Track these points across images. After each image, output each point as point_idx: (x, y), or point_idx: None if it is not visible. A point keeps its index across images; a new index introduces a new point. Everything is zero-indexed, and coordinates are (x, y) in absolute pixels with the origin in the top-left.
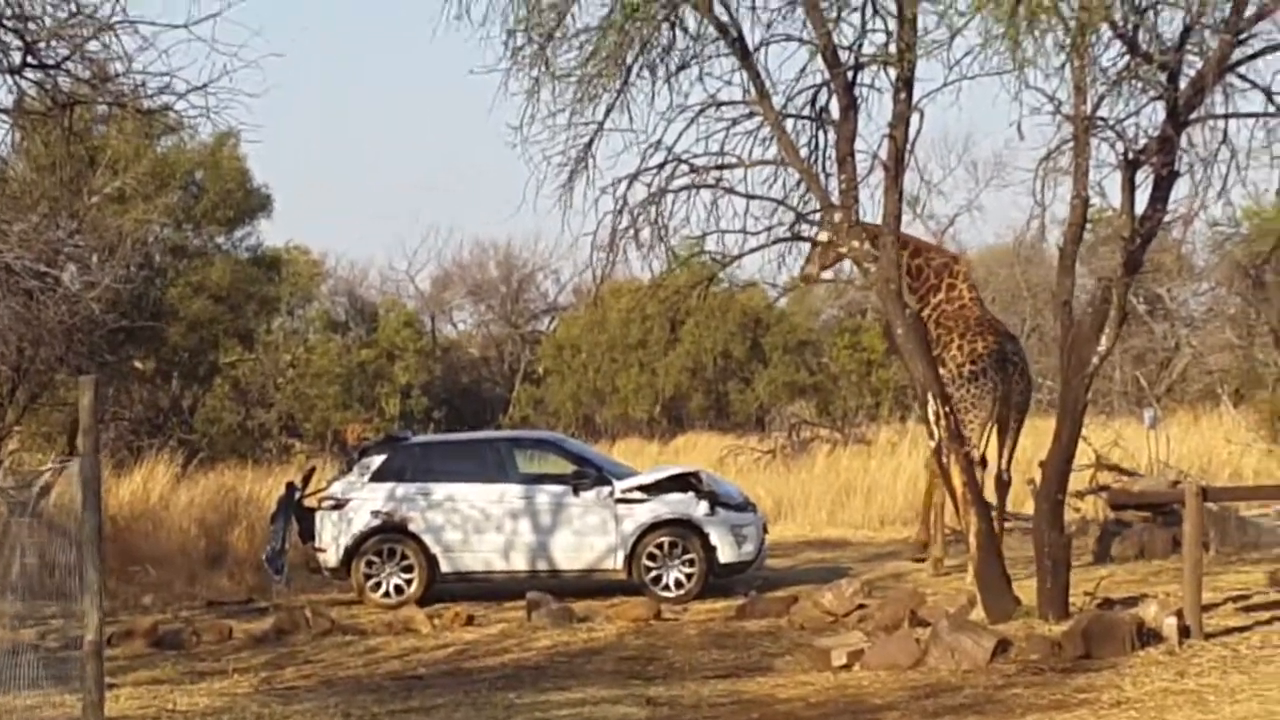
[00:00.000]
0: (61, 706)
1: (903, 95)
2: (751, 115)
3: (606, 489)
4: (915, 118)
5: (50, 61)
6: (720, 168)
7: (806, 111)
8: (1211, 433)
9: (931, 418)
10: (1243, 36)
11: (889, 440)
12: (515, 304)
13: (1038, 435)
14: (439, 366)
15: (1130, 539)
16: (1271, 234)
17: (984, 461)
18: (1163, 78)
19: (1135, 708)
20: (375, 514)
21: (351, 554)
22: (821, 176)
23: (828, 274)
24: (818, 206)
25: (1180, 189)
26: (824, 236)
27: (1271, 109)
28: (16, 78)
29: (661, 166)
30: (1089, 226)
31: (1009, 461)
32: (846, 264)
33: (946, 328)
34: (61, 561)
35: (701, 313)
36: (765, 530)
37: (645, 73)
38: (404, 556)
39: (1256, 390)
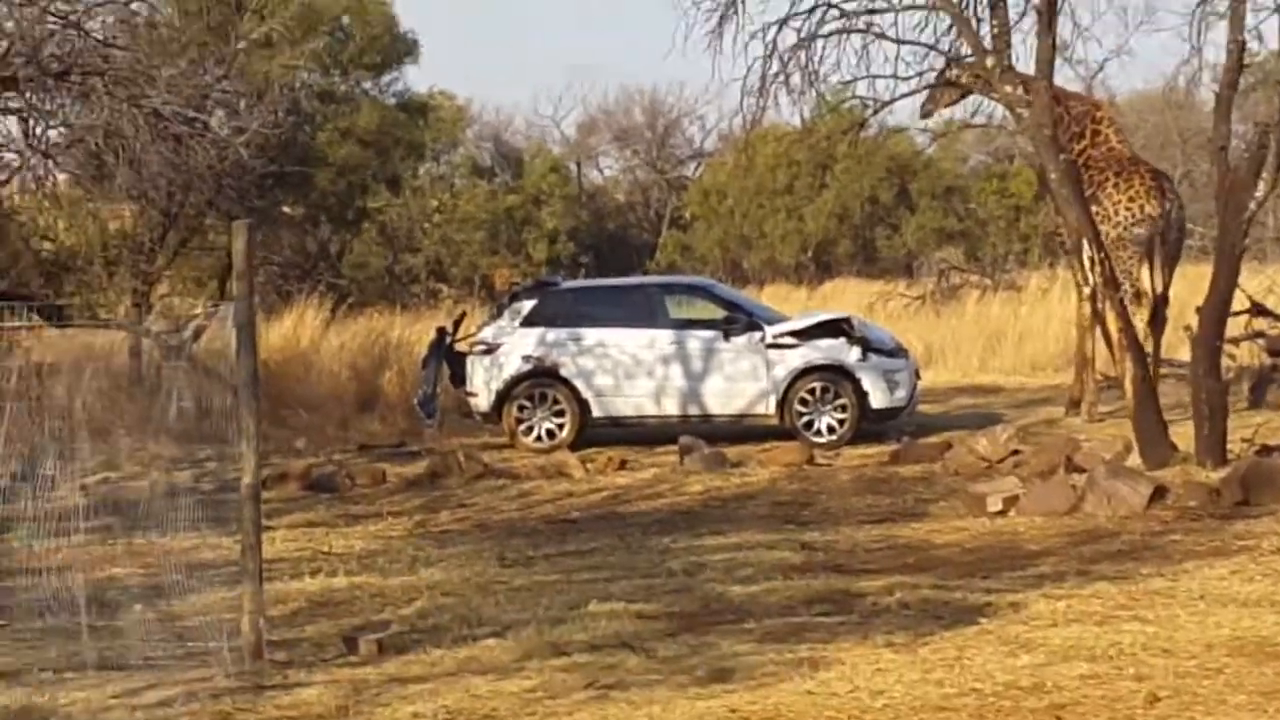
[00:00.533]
0: (219, 549)
1: None
2: None
3: (757, 334)
4: None
5: None
6: (871, 12)
7: None
8: None
9: (1086, 264)
10: None
11: (1039, 286)
12: (661, 149)
13: (1190, 282)
14: (585, 212)
15: None
16: None
17: (1140, 296)
18: None
19: None
20: (526, 359)
21: (503, 399)
22: (973, 21)
23: (946, 112)
24: (969, 51)
25: None
26: (949, 75)
27: None
28: None
29: (811, 11)
30: (1242, 71)
31: (1165, 300)
32: (990, 106)
33: (1099, 168)
34: (216, 405)
35: (849, 158)
36: (917, 376)
37: None
38: (556, 401)
39: None
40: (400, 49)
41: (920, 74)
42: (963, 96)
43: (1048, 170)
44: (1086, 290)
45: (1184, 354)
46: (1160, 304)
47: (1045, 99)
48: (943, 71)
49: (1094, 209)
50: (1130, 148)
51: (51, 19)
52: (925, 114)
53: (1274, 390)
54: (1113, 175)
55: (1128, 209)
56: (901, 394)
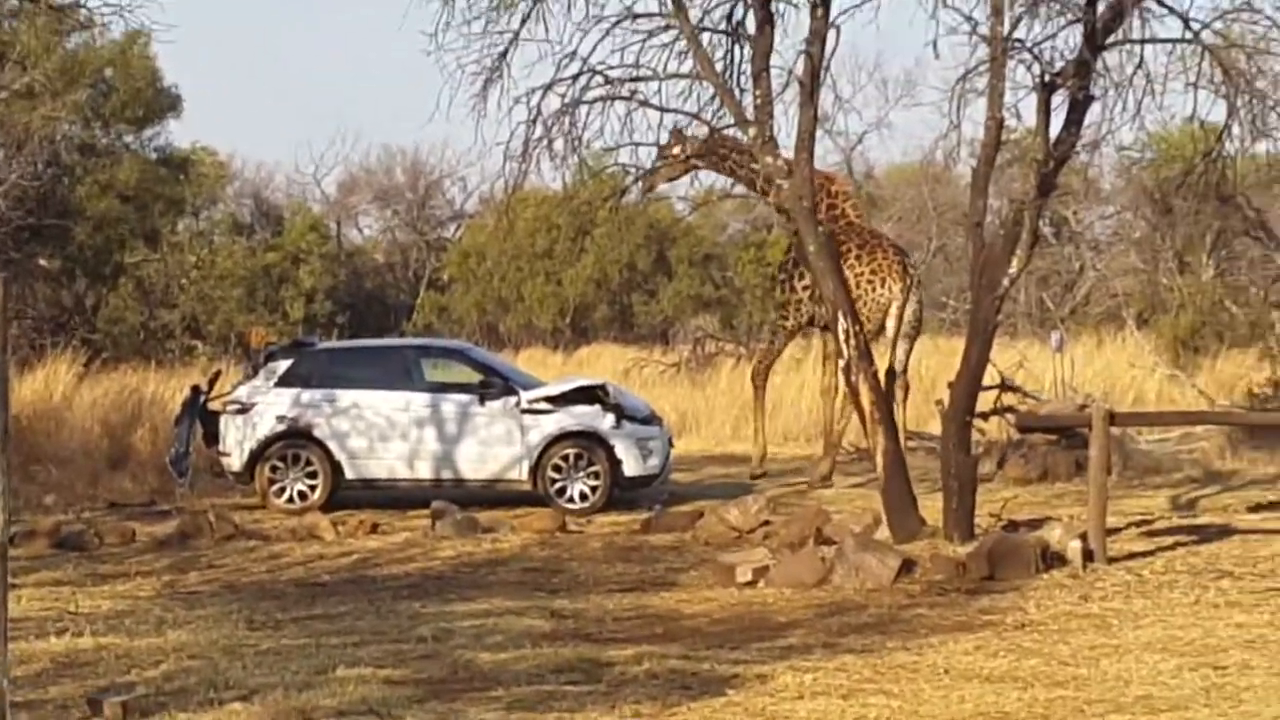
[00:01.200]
0: None
1: (820, 12)
2: (667, 28)
3: (513, 399)
4: (832, 35)
5: None
6: (635, 80)
7: (723, 26)
8: (1115, 356)
9: (841, 336)
10: None
11: (793, 356)
12: (421, 210)
13: (943, 356)
14: (344, 271)
15: (1034, 461)
16: (1179, 159)
17: (891, 373)
18: (1082, 1)
19: (1039, 630)
20: (280, 419)
21: (256, 459)
22: (736, 91)
23: (666, 186)
24: (732, 121)
25: (1091, 113)
26: (676, 150)
27: (1188, 34)
28: None
29: (576, 77)
30: (1000, 147)
31: (894, 374)
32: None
33: (839, 241)
34: None
35: (609, 224)
36: (671, 444)
37: None
38: (308, 462)
39: (1160, 315)
40: (163, 103)
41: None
42: (684, 172)
43: (805, 242)
44: (841, 362)
45: (935, 427)
46: (890, 379)
47: (805, 171)
48: (663, 148)
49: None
50: (866, 221)
51: None
52: (646, 189)
53: (1020, 465)
54: (855, 248)
55: (869, 282)
56: (655, 462)
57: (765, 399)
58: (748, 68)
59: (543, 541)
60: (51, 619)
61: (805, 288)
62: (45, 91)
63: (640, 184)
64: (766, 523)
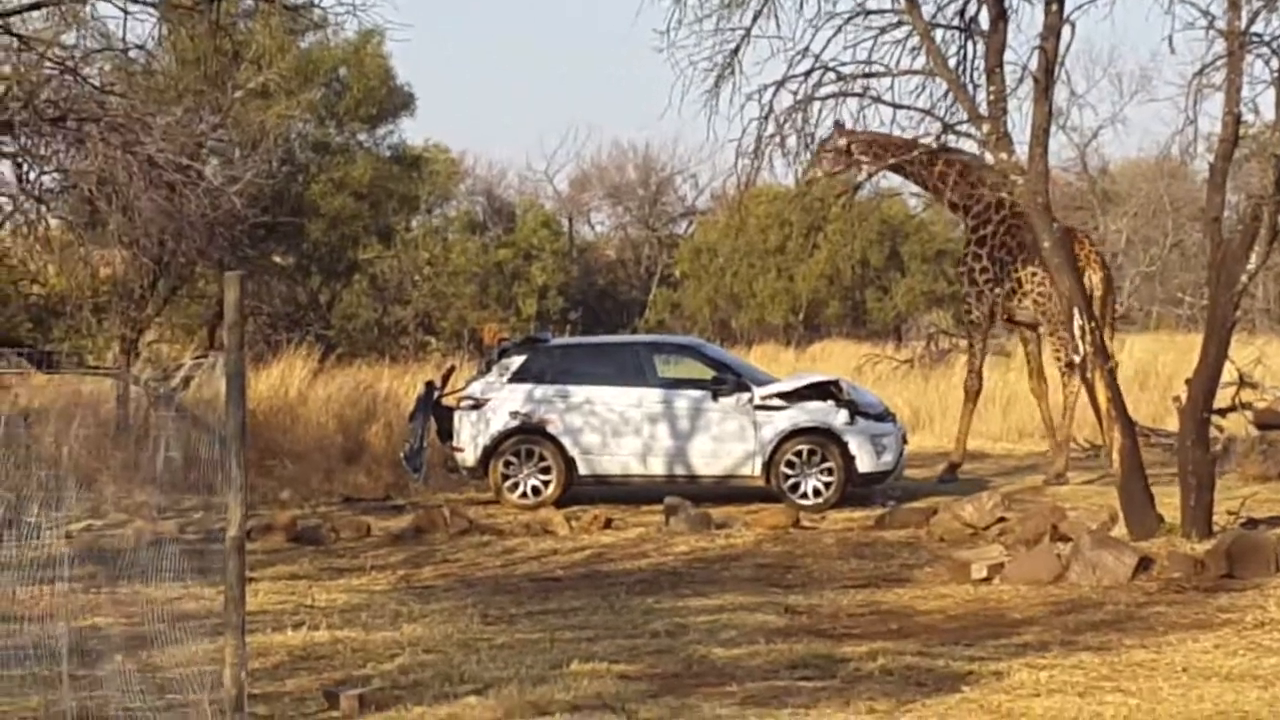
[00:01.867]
0: (202, 599)
1: (1054, 7)
2: (900, 24)
3: (745, 395)
4: (1066, 30)
5: None
6: (867, 76)
7: (956, 22)
8: None
9: (1076, 333)
10: None
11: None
12: (653, 207)
13: (1180, 352)
14: (575, 268)
15: (1273, 458)
16: None
17: (1071, 365)
18: None
19: (1279, 629)
20: (514, 415)
21: (489, 454)
22: (969, 87)
23: (836, 176)
24: (965, 117)
25: None
26: (841, 141)
27: None
28: None
29: (808, 74)
30: (1237, 143)
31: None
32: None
33: (1023, 236)
34: (203, 455)
35: (842, 220)
36: (904, 440)
37: None
38: (542, 458)
39: None
40: (396, 102)
41: (916, 139)
42: (848, 167)
43: (1040, 237)
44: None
45: (1172, 424)
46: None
47: (1041, 166)
48: (828, 139)
49: (1033, 272)
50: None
51: (49, 64)
52: (808, 181)
53: (1260, 462)
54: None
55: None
56: (888, 458)
57: (975, 406)
58: (981, 64)
59: (776, 537)
60: (288, 612)
61: (987, 281)
62: (280, 90)
63: (804, 169)
64: (1002, 519)
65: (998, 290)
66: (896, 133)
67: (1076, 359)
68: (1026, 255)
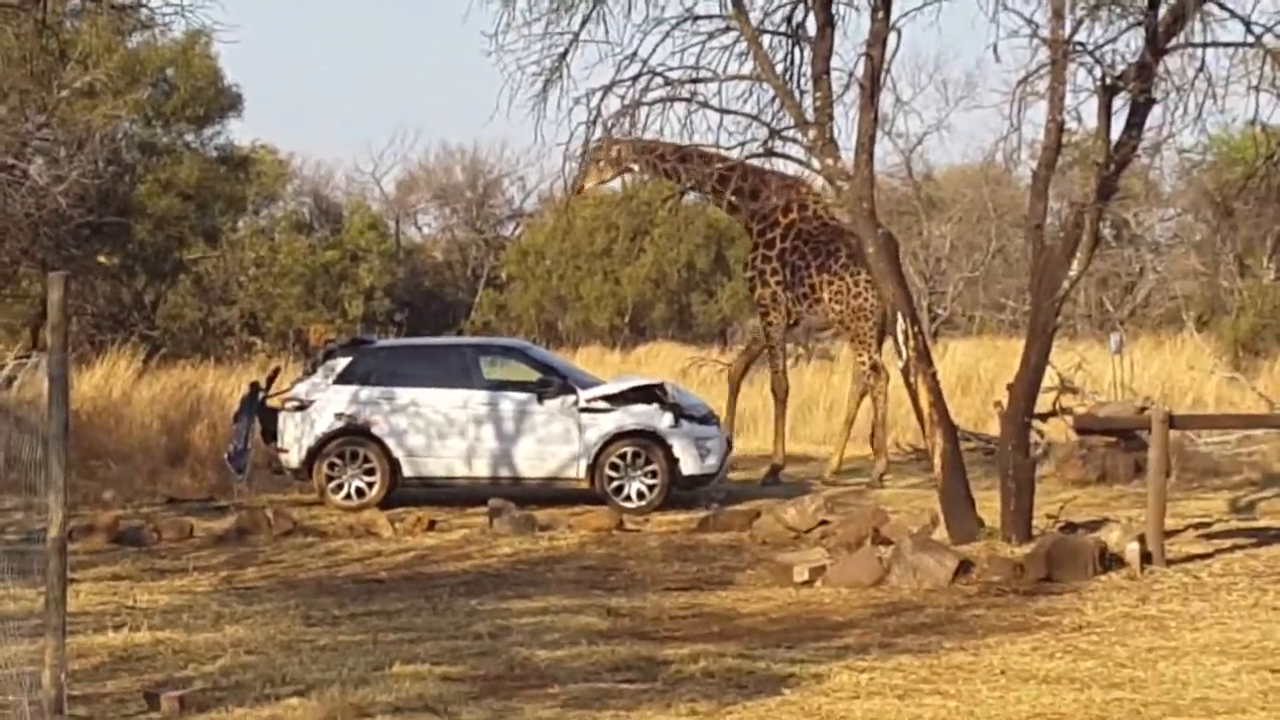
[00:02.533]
0: (22, 599)
1: (881, 14)
2: (728, 29)
3: (571, 398)
4: (893, 37)
5: None
6: (695, 81)
7: (783, 28)
8: (1174, 358)
9: (900, 337)
10: None
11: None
12: (480, 209)
13: (1002, 357)
14: (402, 269)
15: (1092, 463)
16: (1240, 162)
17: (877, 370)
18: (1143, 3)
19: (1096, 632)
20: (339, 416)
21: (314, 455)
22: (796, 93)
23: (602, 188)
24: (792, 122)
25: (1152, 116)
26: (609, 153)
27: (1250, 38)
28: None
29: (636, 79)
30: (1060, 150)
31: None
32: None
33: (815, 241)
34: (24, 455)
35: (668, 224)
36: (729, 444)
37: None
38: (366, 459)
39: (1220, 317)
40: (224, 102)
41: (743, 144)
42: (616, 175)
43: (865, 243)
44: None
45: (993, 428)
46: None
47: (866, 172)
48: (597, 146)
49: (829, 279)
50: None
51: None
52: (577, 190)
53: (1079, 466)
54: (843, 249)
55: (868, 281)
56: (712, 461)
57: (786, 407)
58: (808, 70)
59: (600, 540)
60: (109, 613)
61: (779, 283)
62: (107, 90)
63: (574, 181)
64: (824, 522)
65: (789, 294)
66: (724, 138)
67: (880, 361)
68: (822, 261)
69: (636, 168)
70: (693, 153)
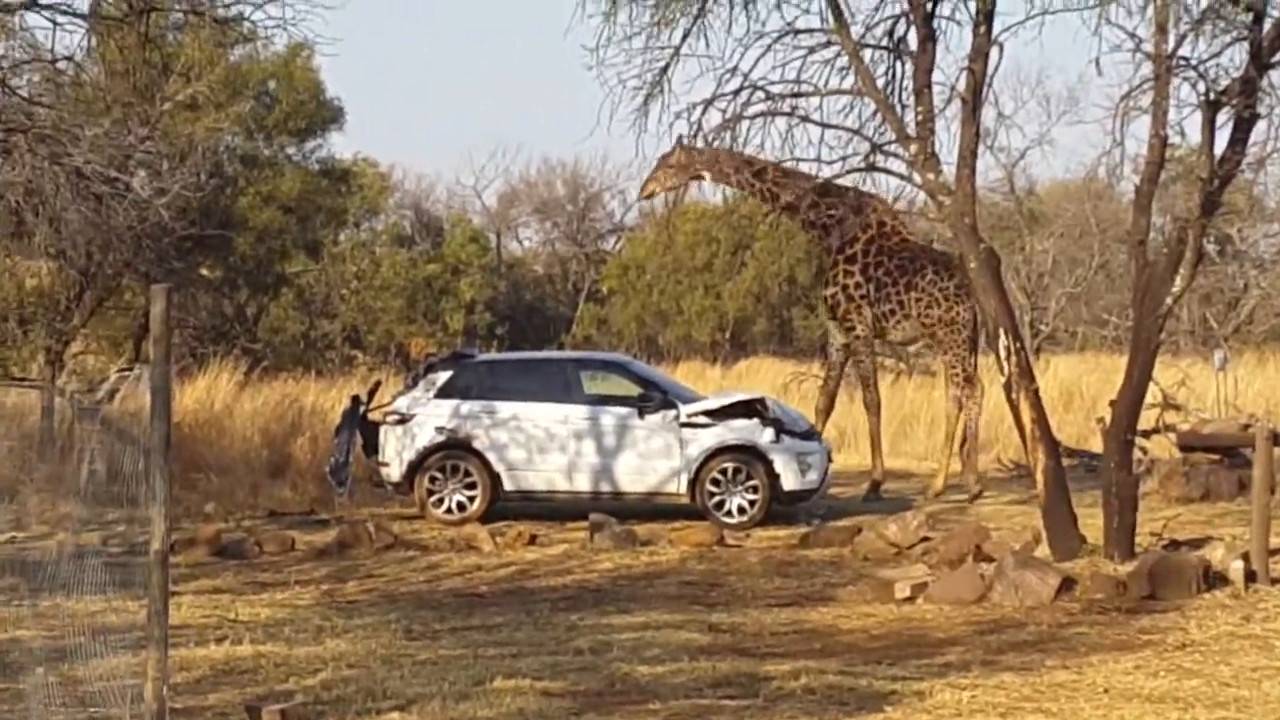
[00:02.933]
0: (124, 612)
1: (983, 29)
2: (829, 44)
3: (671, 412)
4: (994, 51)
5: None
6: (796, 95)
7: (884, 42)
8: (1278, 375)
9: (1001, 353)
10: None
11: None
12: (581, 223)
13: (1104, 373)
14: (503, 283)
15: (1196, 480)
16: None
17: (971, 382)
18: (1247, 18)
19: (1200, 650)
20: (439, 430)
21: (415, 469)
22: (897, 107)
23: (670, 194)
24: (893, 137)
25: (1257, 131)
26: (679, 159)
27: None
28: None
29: (737, 93)
30: (1164, 165)
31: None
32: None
33: (899, 256)
34: (127, 468)
35: (769, 238)
36: (830, 459)
37: None
38: (467, 473)
39: None
40: (325, 115)
41: (844, 158)
42: (687, 183)
43: (967, 258)
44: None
45: (1096, 445)
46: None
47: (968, 187)
48: (669, 153)
49: (914, 296)
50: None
51: None
52: (647, 195)
53: (1183, 484)
54: (929, 265)
55: (958, 294)
56: (813, 476)
57: (880, 420)
58: (909, 84)
59: (700, 555)
60: (211, 626)
61: (864, 297)
62: (209, 103)
63: (643, 186)
64: (926, 539)
65: (874, 309)
66: (825, 153)
67: (974, 373)
68: (909, 279)
69: (707, 176)
70: (768, 166)
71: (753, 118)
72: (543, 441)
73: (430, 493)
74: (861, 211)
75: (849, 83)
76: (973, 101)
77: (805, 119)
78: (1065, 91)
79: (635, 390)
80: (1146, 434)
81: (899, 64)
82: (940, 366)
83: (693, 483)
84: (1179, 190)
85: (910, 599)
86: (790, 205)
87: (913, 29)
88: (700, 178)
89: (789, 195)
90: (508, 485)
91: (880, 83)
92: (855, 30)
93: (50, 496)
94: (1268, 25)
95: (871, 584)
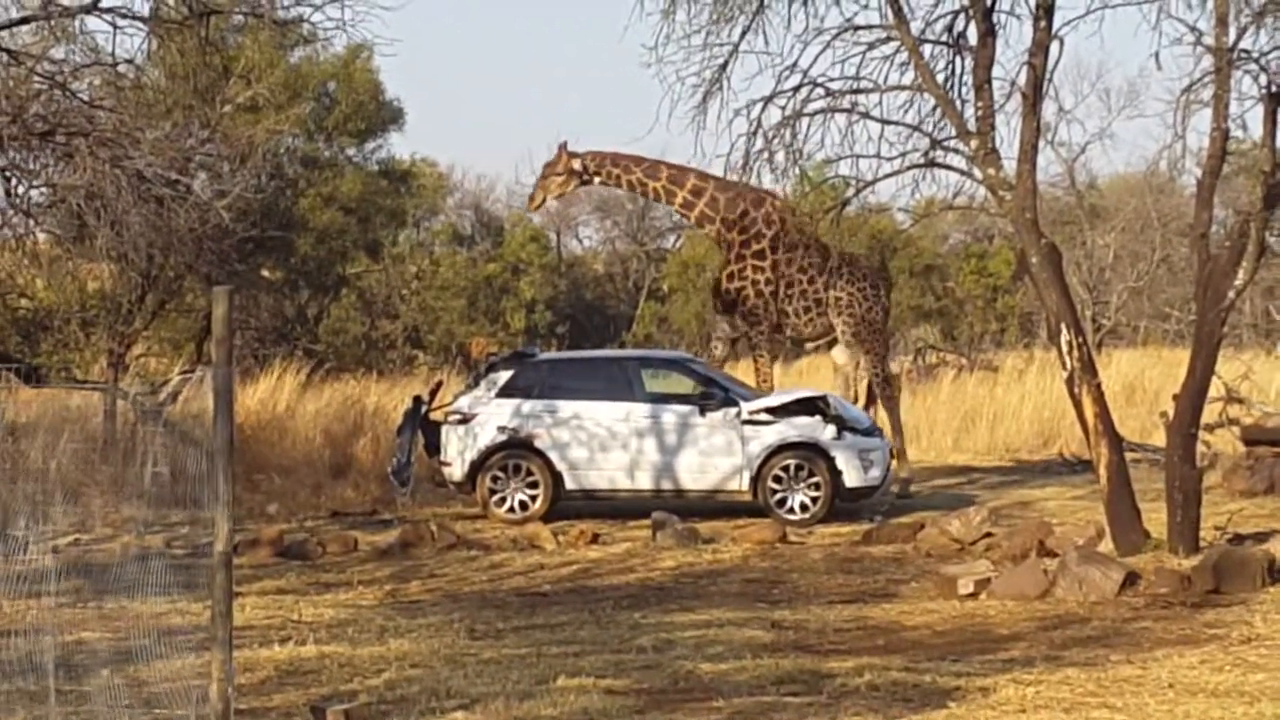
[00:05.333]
0: (188, 614)
1: (1043, 23)
2: (888, 39)
3: (733, 410)
4: (1055, 46)
5: None
6: (855, 92)
7: (944, 37)
8: None
9: (1064, 347)
10: None
11: (1015, 367)
12: (641, 221)
13: (1167, 367)
14: (564, 282)
15: (1260, 474)
16: None
17: (890, 380)
18: None
19: (1266, 645)
20: (501, 429)
21: (477, 469)
22: (957, 103)
23: (554, 203)
24: (953, 133)
25: None
26: (565, 165)
27: None
28: None
29: (796, 90)
30: (1225, 159)
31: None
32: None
33: (809, 254)
34: (190, 469)
35: (830, 235)
36: (892, 455)
37: None
38: (529, 473)
39: None
40: (385, 116)
41: (904, 154)
42: (576, 188)
43: (1028, 253)
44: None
45: (1159, 439)
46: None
47: (1029, 181)
48: (554, 161)
49: (834, 295)
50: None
51: (38, 79)
52: (535, 206)
53: (1246, 477)
54: (844, 264)
55: (874, 295)
56: (876, 473)
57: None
58: (969, 79)
59: (763, 553)
60: (275, 627)
61: (773, 294)
62: (269, 105)
63: (531, 197)
64: (988, 534)
65: (784, 305)
66: (884, 149)
67: (893, 373)
68: (827, 278)
69: (596, 179)
70: (660, 164)
71: (812, 114)
72: (604, 440)
73: (492, 492)
74: (761, 206)
75: (908, 78)
76: (1033, 96)
77: (865, 115)
78: (1125, 86)
79: (696, 388)
80: (1210, 428)
81: (959, 59)
82: (864, 365)
83: (755, 480)
84: (1241, 184)
85: (973, 595)
86: (687, 203)
87: (972, 24)
88: (589, 181)
89: (685, 193)
90: (569, 484)
91: (940, 78)
92: (914, 26)
93: (114, 499)
94: None
95: (934, 580)
